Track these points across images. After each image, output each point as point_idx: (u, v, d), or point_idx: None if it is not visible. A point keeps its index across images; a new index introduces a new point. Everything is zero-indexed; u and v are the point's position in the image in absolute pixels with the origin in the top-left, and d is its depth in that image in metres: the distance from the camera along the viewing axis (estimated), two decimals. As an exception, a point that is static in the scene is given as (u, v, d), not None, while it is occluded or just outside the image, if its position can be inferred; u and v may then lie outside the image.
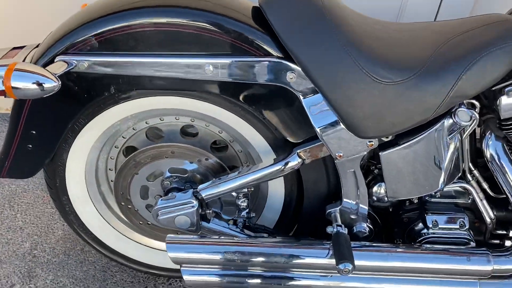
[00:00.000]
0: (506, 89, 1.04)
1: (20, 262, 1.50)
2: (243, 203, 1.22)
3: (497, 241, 1.23)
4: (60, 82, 0.93)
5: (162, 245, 1.41)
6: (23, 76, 0.91)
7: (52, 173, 1.24)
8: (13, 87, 0.91)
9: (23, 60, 1.09)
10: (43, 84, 0.92)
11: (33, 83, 0.92)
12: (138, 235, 1.40)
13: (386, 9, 1.61)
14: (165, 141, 1.20)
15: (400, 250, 1.14)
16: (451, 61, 0.99)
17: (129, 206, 1.29)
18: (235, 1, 1.06)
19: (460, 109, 1.04)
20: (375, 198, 1.22)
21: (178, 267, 1.36)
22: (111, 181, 1.33)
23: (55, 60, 1.01)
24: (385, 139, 1.07)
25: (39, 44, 1.12)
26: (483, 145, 1.14)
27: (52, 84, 0.93)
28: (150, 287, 1.46)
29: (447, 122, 1.05)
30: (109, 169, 1.31)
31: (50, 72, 0.93)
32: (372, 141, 1.05)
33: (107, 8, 1.02)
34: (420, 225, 1.20)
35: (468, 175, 1.19)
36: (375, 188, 1.20)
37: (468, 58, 0.99)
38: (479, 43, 1.00)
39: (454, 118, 1.04)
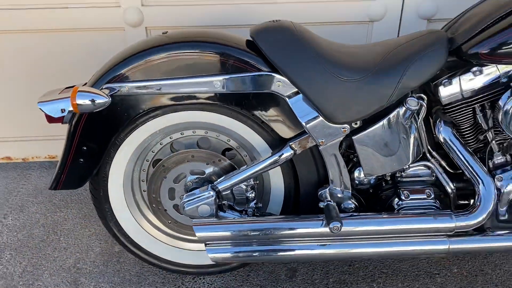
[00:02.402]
0: (442, 81, 1.38)
1: (66, 274, 1.75)
2: (251, 194, 1.51)
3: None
4: (110, 99, 1.28)
5: (188, 245, 1.68)
6: (84, 95, 1.26)
7: (97, 184, 1.55)
8: (77, 104, 1.25)
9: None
10: (98, 100, 1.26)
11: (91, 100, 1.26)
12: (168, 237, 1.67)
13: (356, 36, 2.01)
14: (186, 148, 1.52)
15: (380, 216, 1.42)
16: (396, 63, 1.34)
17: (160, 207, 1.59)
18: (234, 35, 1.43)
19: (409, 98, 1.37)
20: (357, 182, 1.51)
21: (203, 263, 1.65)
22: (144, 190, 1.62)
23: (102, 88, 1.35)
24: (354, 125, 1.39)
25: (86, 82, 1.47)
26: (435, 131, 1.46)
27: (104, 100, 1.27)
28: (178, 285, 1.70)
29: (401, 108, 1.38)
30: (142, 180, 1.61)
31: (103, 91, 1.27)
32: (345, 127, 1.37)
33: (140, 47, 1.39)
34: (396, 199, 1.49)
35: (429, 156, 1.49)
36: (356, 173, 1.50)
37: (409, 59, 1.34)
38: (416, 48, 1.36)
39: (405, 104, 1.37)
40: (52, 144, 2.30)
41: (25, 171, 2.30)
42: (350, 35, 1.99)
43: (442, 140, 1.44)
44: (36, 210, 2.06)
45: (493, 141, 1.44)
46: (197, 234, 1.41)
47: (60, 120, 1.41)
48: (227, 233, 1.41)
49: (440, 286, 1.69)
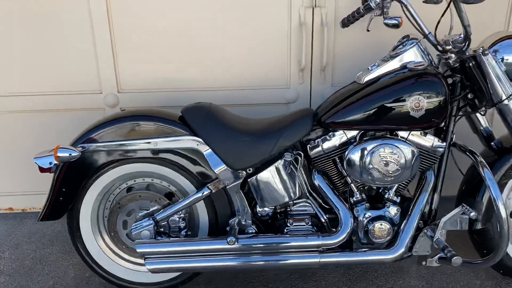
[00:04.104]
0: (310, 142, 2.01)
1: (46, 292, 2.28)
2: (182, 224, 2.09)
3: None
4: (80, 153, 1.91)
5: (139, 267, 2.21)
6: (63, 150, 1.89)
7: (71, 217, 2.13)
8: (58, 156, 1.88)
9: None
10: (72, 154, 1.89)
11: (67, 153, 1.89)
12: (123, 261, 2.21)
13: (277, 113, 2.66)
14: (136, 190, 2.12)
15: (266, 236, 1.99)
16: (275, 129, 1.98)
17: (116, 235, 2.15)
18: (170, 112, 2.09)
19: (286, 153, 1.99)
20: (259, 214, 2.09)
21: (151, 281, 2.18)
22: (105, 224, 2.20)
23: (77, 146, 1.98)
24: (249, 171, 1.99)
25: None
26: (313, 178, 2.06)
27: (76, 154, 1.90)
28: (131, 299, 2.21)
29: (281, 160, 1.99)
30: (105, 216, 2.19)
31: (76, 148, 1.91)
32: (242, 172, 1.97)
33: (104, 120, 2.04)
34: (285, 226, 2.05)
35: (308, 195, 2.08)
36: (257, 207, 2.08)
37: (283, 127, 1.98)
38: (290, 120, 2.01)
39: (283, 157, 1.98)
40: (45, 198, 2.90)
41: (23, 219, 2.88)
42: (272, 113, 2.64)
43: (316, 184, 2.04)
44: (28, 247, 2.61)
45: (352, 184, 2.04)
46: (138, 250, 1.97)
47: (48, 170, 2.02)
48: (160, 249, 1.97)
49: (331, 300, 2.19)
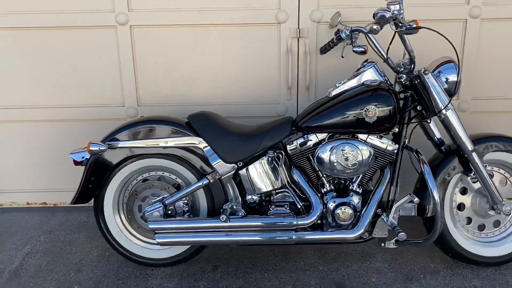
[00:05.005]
0: (288, 142, 2.51)
1: (73, 265, 2.77)
2: (185, 208, 2.58)
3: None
4: (107, 148, 2.44)
5: (150, 246, 2.70)
6: (95, 145, 2.42)
7: (97, 202, 2.64)
8: (90, 149, 2.41)
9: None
10: (101, 148, 2.42)
11: (97, 147, 2.42)
12: (137, 239, 2.71)
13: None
14: (149, 180, 2.64)
15: (255, 217, 2.47)
16: (260, 133, 2.49)
17: (132, 217, 2.65)
18: (178, 118, 2.62)
19: (269, 150, 2.49)
20: (248, 202, 2.58)
21: (160, 257, 2.66)
22: (124, 208, 2.70)
23: (105, 143, 2.51)
24: (239, 165, 2.49)
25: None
26: (292, 172, 2.55)
27: (104, 148, 2.43)
28: (143, 273, 2.69)
29: (265, 156, 2.49)
30: (124, 203, 2.70)
31: (105, 144, 2.44)
32: (234, 166, 2.48)
33: (127, 123, 2.58)
34: (269, 210, 2.53)
35: (288, 185, 2.57)
36: (246, 196, 2.57)
37: (266, 131, 2.49)
38: (272, 126, 2.52)
39: (267, 154, 2.48)
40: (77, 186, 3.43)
41: (55, 212, 3.41)
42: (264, 124, 3.17)
43: (294, 178, 2.53)
44: (59, 233, 3.13)
45: (322, 177, 2.52)
46: (150, 226, 2.47)
47: (81, 163, 2.55)
48: (168, 226, 2.47)
49: (308, 276, 2.63)
